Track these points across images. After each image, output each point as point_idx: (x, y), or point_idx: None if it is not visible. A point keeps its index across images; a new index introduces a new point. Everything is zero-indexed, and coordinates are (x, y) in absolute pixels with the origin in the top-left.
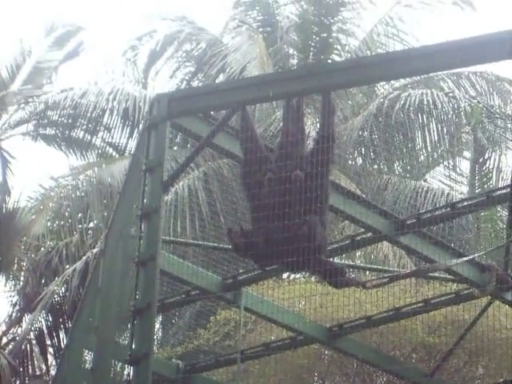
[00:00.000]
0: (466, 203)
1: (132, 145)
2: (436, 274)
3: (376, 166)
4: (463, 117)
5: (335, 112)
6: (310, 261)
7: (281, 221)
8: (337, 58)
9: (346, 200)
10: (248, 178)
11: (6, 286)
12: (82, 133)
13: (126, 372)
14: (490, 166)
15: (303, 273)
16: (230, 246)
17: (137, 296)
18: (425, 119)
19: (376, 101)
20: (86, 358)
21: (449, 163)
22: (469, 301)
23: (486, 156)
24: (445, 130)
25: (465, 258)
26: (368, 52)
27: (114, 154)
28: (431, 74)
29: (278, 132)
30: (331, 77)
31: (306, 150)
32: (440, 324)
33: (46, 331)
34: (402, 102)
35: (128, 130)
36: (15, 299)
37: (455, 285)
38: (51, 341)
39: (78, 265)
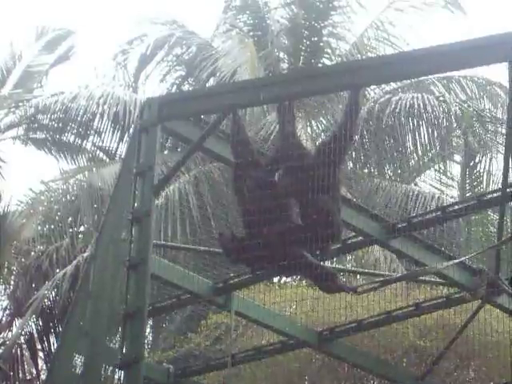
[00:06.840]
0: (456, 207)
1: (122, 149)
2: (427, 278)
3: (367, 170)
4: (454, 121)
5: (359, 112)
6: (302, 264)
7: (287, 221)
8: (327, 62)
9: None
10: (243, 182)
11: None
12: (73, 137)
13: (116, 376)
14: (481, 170)
15: (295, 276)
16: (220, 250)
17: (127, 300)
18: (415, 123)
19: (367, 105)
20: (77, 362)
21: (439, 167)
22: (460, 304)
23: (477, 160)
24: (435, 134)
25: (455, 261)
26: (359, 56)
27: (104, 158)
28: (422, 78)
29: (269, 135)
30: (321, 81)
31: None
32: (431, 328)
33: (36, 335)
34: (393, 106)
35: (118, 134)
36: (5, 303)
37: (446, 288)
38: (41, 345)
39: (69, 269)
